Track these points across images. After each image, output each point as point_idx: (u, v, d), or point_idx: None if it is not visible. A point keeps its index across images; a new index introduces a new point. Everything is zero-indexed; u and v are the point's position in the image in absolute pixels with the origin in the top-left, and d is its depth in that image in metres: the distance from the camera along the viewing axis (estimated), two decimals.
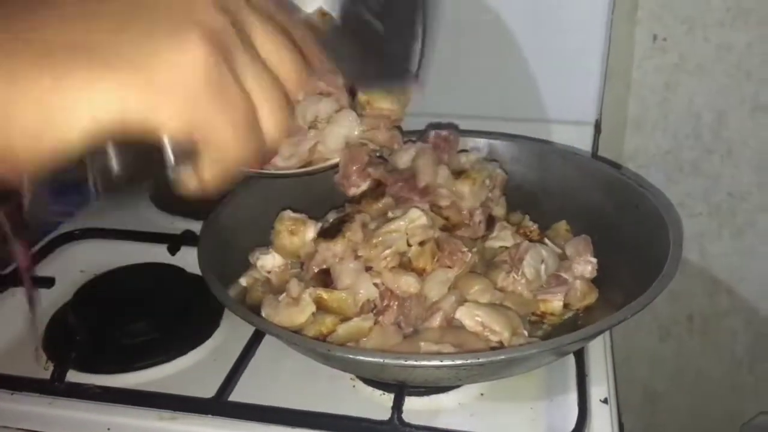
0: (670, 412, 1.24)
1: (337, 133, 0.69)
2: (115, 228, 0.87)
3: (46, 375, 0.64)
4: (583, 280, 0.69)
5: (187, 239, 0.81)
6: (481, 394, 0.63)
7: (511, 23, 0.92)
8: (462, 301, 0.63)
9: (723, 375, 1.19)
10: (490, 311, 0.62)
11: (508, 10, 0.91)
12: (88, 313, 0.72)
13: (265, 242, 0.71)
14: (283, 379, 0.66)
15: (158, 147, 0.34)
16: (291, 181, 0.72)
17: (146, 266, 0.80)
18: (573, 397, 0.61)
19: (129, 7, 0.33)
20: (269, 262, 0.69)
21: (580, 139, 0.95)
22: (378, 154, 0.72)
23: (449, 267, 0.65)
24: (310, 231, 0.68)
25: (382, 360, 0.55)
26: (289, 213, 0.70)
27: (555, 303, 0.67)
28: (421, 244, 0.65)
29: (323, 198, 0.74)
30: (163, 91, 0.32)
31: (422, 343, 0.60)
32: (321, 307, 0.62)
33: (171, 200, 0.95)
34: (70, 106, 0.30)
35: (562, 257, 0.71)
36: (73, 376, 0.65)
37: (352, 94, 0.71)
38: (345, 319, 0.62)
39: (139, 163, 0.34)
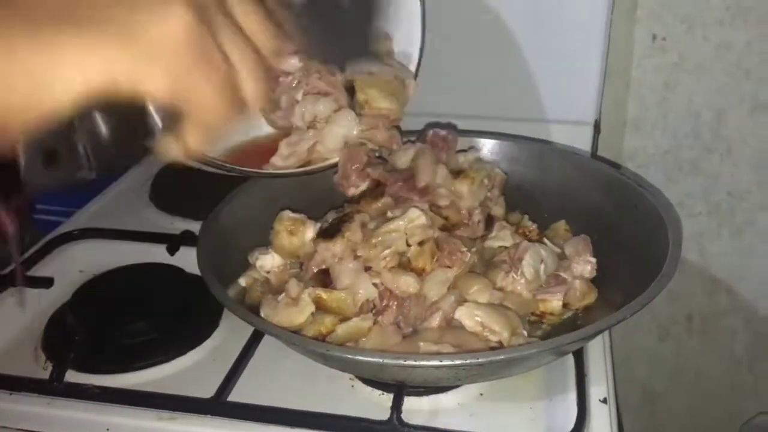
0: (670, 411, 1.24)
1: (336, 132, 0.69)
2: (114, 228, 0.87)
3: (45, 375, 0.64)
4: (582, 279, 0.69)
5: (187, 239, 0.81)
6: (481, 394, 0.63)
7: (511, 23, 0.92)
8: (461, 301, 0.63)
9: (722, 374, 1.19)
10: (489, 311, 0.62)
11: (508, 10, 0.91)
12: (87, 314, 0.72)
13: (265, 242, 0.71)
14: (282, 380, 0.66)
15: (144, 112, 0.36)
16: (290, 180, 0.72)
17: (145, 266, 0.80)
18: (572, 396, 0.60)
19: None
20: (268, 262, 0.69)
21: (580, 139, 0.95)
22: (377, 154, 0.72)
23: (448, 267, 0.65)
24: (309, 231, 0.68)
25: (381, 360, 0.55)
26: (288, 213, 0.70)
27: (554, 303, 0.67)
28: (421, 244, 0.65)
29: (322, 198, 0.74)
30: (149, 57, 0.34)
31: (421, 343, 0.60)
32: (320, 307, 0.62)
33: (170, 200, 0.95)
34: (63, 73, 0.32)
35: (562, 257, 0.71)
36: (72, 377, 0.65)
37: (351, 93, 0.71)
38: (344, 319, 0.62)
39: (126, 128, 0.36)
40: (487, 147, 0.82)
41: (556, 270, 0.69)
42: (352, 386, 0.65)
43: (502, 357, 0.56)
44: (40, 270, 0.81)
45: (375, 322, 0.62)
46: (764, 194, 1.04)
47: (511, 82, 0.95)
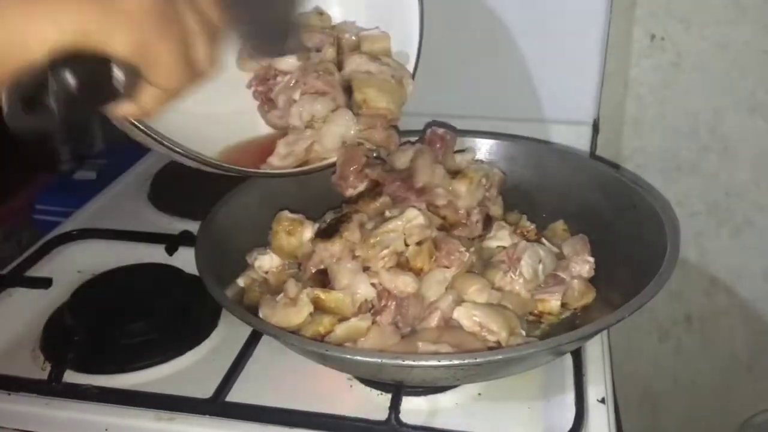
0: (669, 411, 1.24)
1: (334, 132, 0.69)
2: (112, 228, 0.87)
3: (44, 375, 0.64)
4: (580, 279, 0.69)
5: (185, 240, 0.81)
6: (479, 394, 0.63)
7: (509, 23, 0.92)
8: (459, 300, 0.63)
9: (721, 373, 1.19)
10: (487, 311, 0.62)
11: (506, 10, 0.91)
12: (85, 314, 0.72)
13: (263, 243, 0.71)
14: (280, 380, 0.66)
15: (109, 69, 0.40)
16: (288, 181, 0.72)
17: (144, 267, 0.80)
18: (570, 396, 0.61)
19: None
20: (267, 262, 0.69)
21: (579, 139, 0.95)
22: (375, 154, 0.72)
23: (447, 267, 0.65)
24: (308, 231, 0.68)
25: (379, 360, 0.55)
26: (286, 213, 0.70)
27: (552, 302, 0.67)
28: (419, 243, 0.65)
29: (320, 198, 0.74)
30: (117, 16, 0.38)
31: (420, 343, 0.60)
32: (318, 307, 0.62)
33: (169, 201, 0.95)
34: (38, 27, 0.36)
35: (560, 257, 0.71)
36: (71, 377, 0.65)
37: (349, 93, 0.71)
38: (342, 319, 0.62)
39: (92, 82, 0.40)
40: (486, 147, 0.82)
41: (554, 270, 0.69)
42: (351, 386, 0.65)
43: (500, 357, 0.56)
44: (38, 270, 0.81)
45: (373, 322, 0.62)
46: (762, 193, 1.05)
47: (510, 82, 0.95)
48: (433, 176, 0.70)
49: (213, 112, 0.71)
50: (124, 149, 1.03)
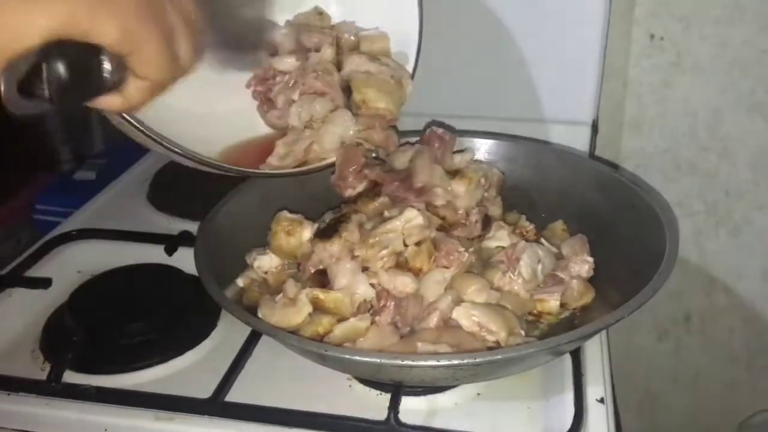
0: (669, 410, 1.24)
1: (333, 132, 0.69)
2: (112, 228, 0.87)
3: (43, 375, 0.64)
4: (579, 279, 0.69)
5: (184, 240, 0.81)
6: (478, 394, 0.63)
7: (509, 23, 0.92)
8: (459, 301, 0.63)
9: (721, 373, 1.19)
10: (486, 311, 0.62)
11: (506, 11, 0.91)
12: (85, 314, 0.72)
13: (262, 243, 0.71)
14: (279, 380, 0.66)
15: (99, 59, 0.43)
16: (287, 181, 0.72)
17: (143, 267, 0.80)
18: (569, 396, 0.61)
19: None
20: (266, 262, 0.69)
21: (578, 139, 0.95)
22: (374, 155, 0.72)
23: (446, 267, 0.65)
24: (307, 231, 0.68)
25: (378, 360, 0.55)
26: (285, 213, 0.70)
27: (552, 302, 0.67)
28: (418, 244, 0.65)
29: (319, 198, 0.74)
30: (104, 6, 0.41)
31: (419, 343, 0.60)
32: (318, 307, 0.62)
33: (168, 201, 0.95)
34: (31, 17, 0.38)
35: (559, 257, 0.71)
36: (70, 377, 0.65)
37: (348, 93, 0.71)
38: (342, 319, 0.62)
39: (82, 71, 0.42)
40: (485, 147, 0.82)
41: (553, 270, 0.69)
42: (350, 386, 0.65)
43: (500, 357, 0.56)
44: (38, 270, 0.81)
45: (372, 323, 0.62)
46: (761, 193, 1.05)
47: (509, 82, 0.95)
48: (432, 176, 0.70)
49: (212, 112, 0.72)
50: (124, 149, 1.04)
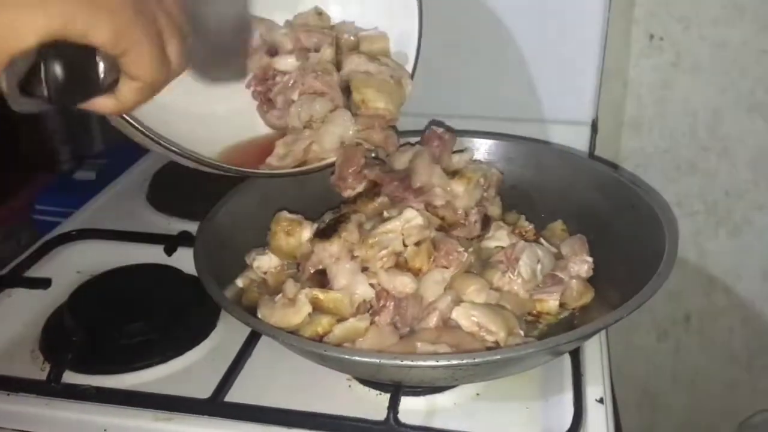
0: (668, 410, 1.24)
1: (332, 132, 0.69)
2: (111, 229, 0.87)
3: (43, 376, 0.64)
4: (578, 279, 0.69)
5: (184, 240, 0.81)
6: (477, 394, 0.63)
7: (508, 23, 0.92)
8: (458, 301, 0.63)
9: (720, 373, 1.19)
10: (486, 311, 0.62)
11: (505, 10, 0.91)
12: (84, 314, 0.72)
13: (262, 243, 0.71)
14: (279, 380, 0.66)
15: (94, 60, 0.44)
16: (286, 181, 0.72)
17: (143, 267, 0.80)
18: (569, 396, 0.61)
19: None
20: (265, 262, 0.69)
21: (577, 139, 0.95)
22: (373, 155, 0.72)
23: (445, 267, 0.65)
24: (306, 232, 0.68)
25: (378, 360, 0.55)
26: (285, 214, 0.70)
27: (551, 302, 0.67)
28: (417, 244, 0.65)
29: (319, 198, 0.74)
30: (97, 6, 0.42)
31: (418, 344, 0.60)
32: (317, 307, 0.62)
33: (168, 201, 0.95)
34: (29, 18, 0.40)
35: (558, 257, 0.71)
36: (70, 377, 0.65)
37: (347, 93, 0.71)
38: (341, 319, 0.62)
39: (78, 72, 0.43)
40: (484, 147, 0.82)
41: (552, 270, 0.69)
42: (350, 386, 0.65)
43: (499, 357, 0.56)
44: (37, 271, 0.81)
45: (372, 323, 0.62)
46: (761, 193, 1.05)
47: (509, 82, 0.95)
48: (431, 176, 0.70)
49: (212, 112, 0.72)
50: (124, 149, 1.04)
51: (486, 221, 0.73)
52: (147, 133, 0.58)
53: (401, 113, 0.72)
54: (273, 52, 0.75)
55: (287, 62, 0.73)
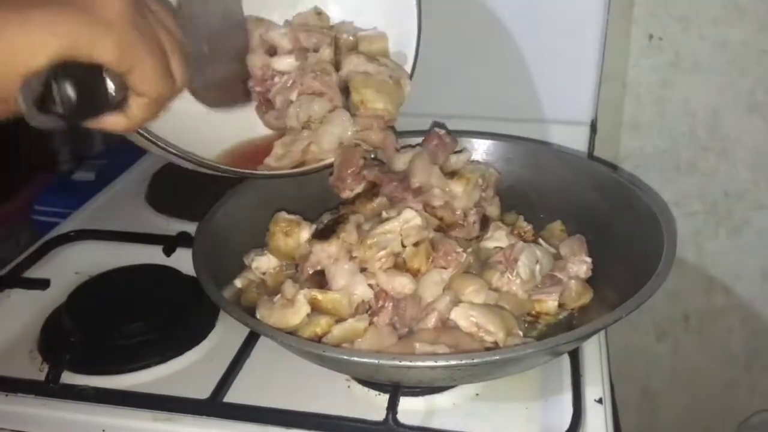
0: (667, 410, 1.24)
1: (331, 133, 0.69)
2: (110, 229, 0.87)
3: (41, 376, 0.64)
4: (577, 279, 0.69)
5: (183, 241, 0.81)
6: (476, 395, 0.63)
7: (507, 23, 0.92)
8: (457, 301, 0.63)
9: (719, 373, 1.19)
10: (484, 312, 0.62)
11: (505, 11, 0.91)
12: (83, 315, 0.72)
13: (260, 244, 0.71)
14: (278, 380, 0.66)
15: (102, 79, 0.45)
16: (285, 182, 0.72)
17: (141, 268, 0.80)
18: (568, 397, 0.61)
19: None
20: (264, 263, 0.69)
21: (577, 139, 0.95)
22: (372, 155, 0.72)
23: (444, 267, 0.65)
24: (305, 232, 0.68)
25: (376, 361, 0.55)
26: (283, 214, 0.70)
27: (550, 303, 0.67)
28: (416, 244, 0.65)
29: (317, 199, 0.74)
30: (101, 25, 0.43)
31: (417, 344, 0.60)
32: (316, 308, 0.62)
33: (167, 202, 0.95)
34: (39, 38, 0.41)
35: (557, 257, 0.71)
36: (68, 378, 0.65)
37: (346, 94, 0.71)
38: (340, 320, 0.62)
39: (88, 90, 0.44)
40: (483, 147, 0.82)
41: (551, 270, 0.69)
42: (348, 387, 0.65)
43: (498, 357, 0.56)
44: (36, 271, 0.81)
45: (370, 323, 0.62)
46: (760, 193, 1.05)
47: (508, 82, 0.95)
48: (429, 177, 0.70)
49: (211, 113, 0.71)
50: (123, 150, 1.04)
51: (485, 222, 0.73)
52: (146, 135, 0.58)
53: (400, 114, 0.72)
54: (272, 52, 0.74)
55: (286, 62, 0.73)
